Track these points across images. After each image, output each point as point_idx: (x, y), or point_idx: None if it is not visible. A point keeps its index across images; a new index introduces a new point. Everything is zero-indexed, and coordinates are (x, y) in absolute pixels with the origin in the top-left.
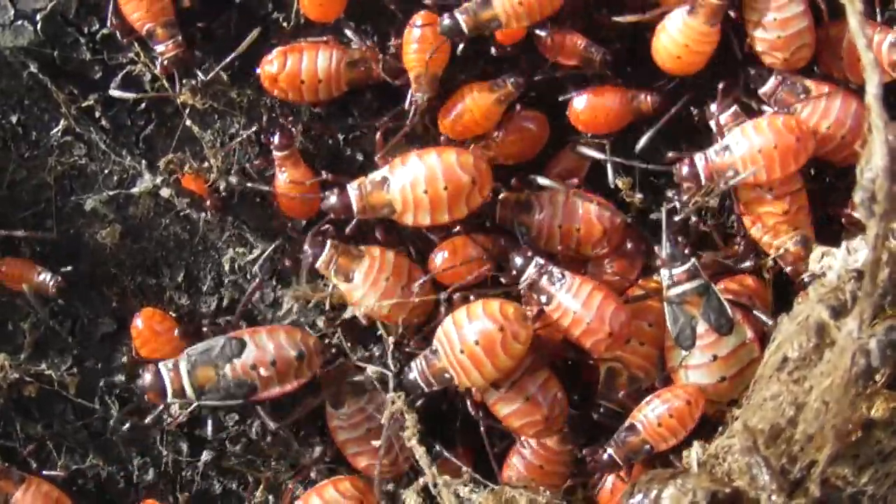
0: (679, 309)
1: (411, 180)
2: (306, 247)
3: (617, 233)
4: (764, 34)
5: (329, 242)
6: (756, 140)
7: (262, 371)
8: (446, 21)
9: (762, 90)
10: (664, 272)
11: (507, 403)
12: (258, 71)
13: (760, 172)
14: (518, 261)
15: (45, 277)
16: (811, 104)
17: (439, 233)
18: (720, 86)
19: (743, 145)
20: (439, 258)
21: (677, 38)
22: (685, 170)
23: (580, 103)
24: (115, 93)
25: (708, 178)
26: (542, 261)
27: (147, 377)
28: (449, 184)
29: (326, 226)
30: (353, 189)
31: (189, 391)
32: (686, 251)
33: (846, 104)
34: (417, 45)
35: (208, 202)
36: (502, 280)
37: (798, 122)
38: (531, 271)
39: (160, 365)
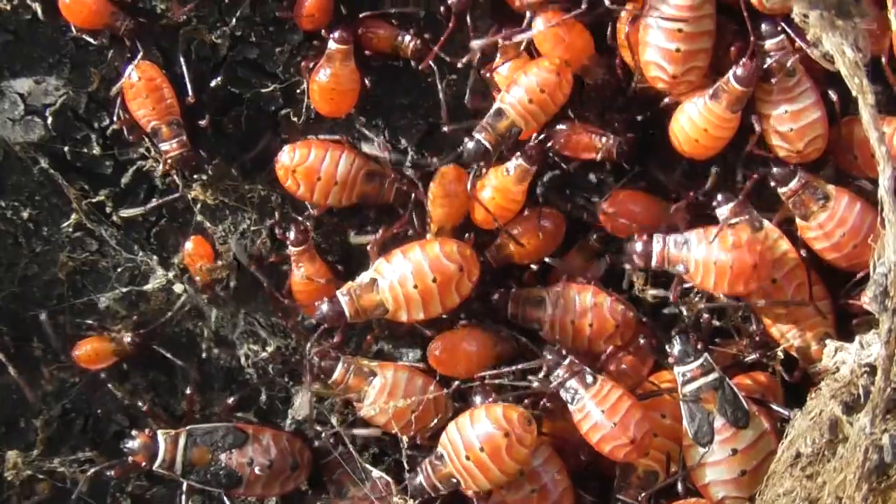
0: (695, 406)
1: (399, 278)
2: (316, 359)
3: (629, 328)
4: (777, 126)
5: (342, 360)
6: (715, 251)
7: (257, 469)
8: (470, 145)
9: (783, 190)
10: (678, 369)
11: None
12: (276, 158)
13: (707, 280)
14: (550, 358)
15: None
16: (829, 211)
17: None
18: (714, 170)
19: (701, 250)
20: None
21: (697, 122)
22: (638, 246)
23: (610, 206)
24: (124, 213)
25: (658, 264)
26: (575, 360)
27: (138, 441)
28: (437, 275)
29: (329, 336)
30: (342, 296)
31: (178, 466)
32: (698, 346)
33: (863, 213)
34: (444, 200)
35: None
36: (530, 378)
37: (761, 250)
38: (561, 372)
39: (159, 432)
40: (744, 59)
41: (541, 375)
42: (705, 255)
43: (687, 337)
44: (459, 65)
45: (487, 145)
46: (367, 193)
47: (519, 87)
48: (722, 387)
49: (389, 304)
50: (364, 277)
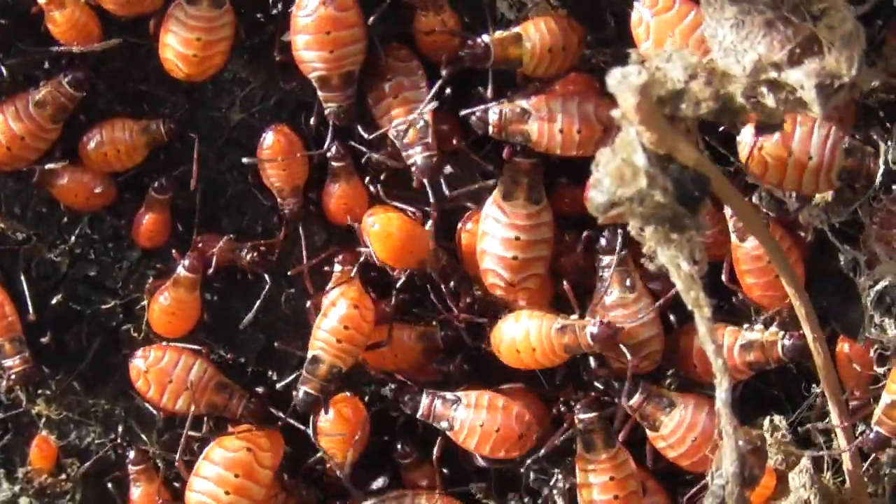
0: None
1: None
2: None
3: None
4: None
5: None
6: (484, 415)
7: None
8: (300, 397)
9: (629, 403)
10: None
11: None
12: (130, 359)
13: (470, 440)
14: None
15: None
16: (676, 419)
17: None
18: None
19: (469, 415)
20: None
21: (531, 340)
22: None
23: None
24: None
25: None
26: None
27: None
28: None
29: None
30: None
31: None
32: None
33: (713, 416)
34: None
35: None
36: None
37: (529, 421)
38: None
39: None
40: (598, 325)
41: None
42: (472, 419)
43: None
44: (290, 272)
45: (316, 395)
46: (215, 403)
47: (323, 331)
48: None
49: None
50: None
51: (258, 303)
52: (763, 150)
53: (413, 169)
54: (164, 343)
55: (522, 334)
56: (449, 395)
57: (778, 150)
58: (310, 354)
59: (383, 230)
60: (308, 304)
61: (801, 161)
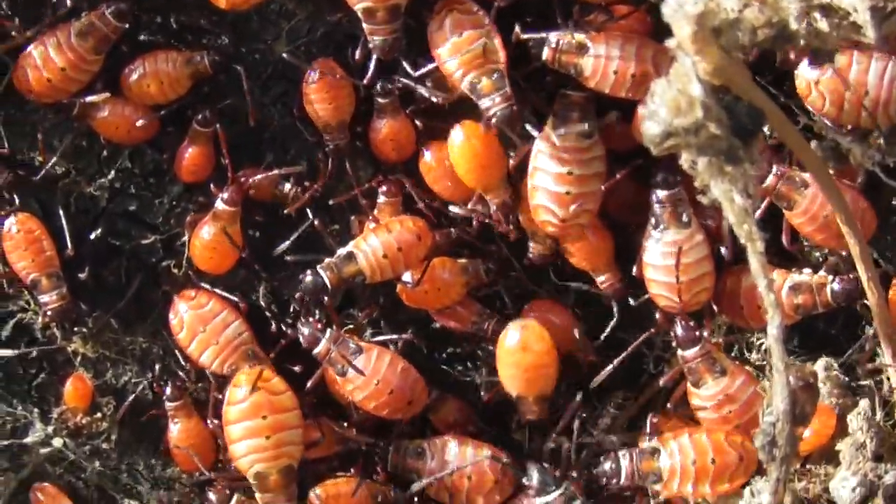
0: None
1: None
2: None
3: (509, 483)
4: (663, 277)
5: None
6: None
7: None
8: (308, 278)
9: (683, 353)
10: (539, 500)
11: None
12: (174, 299)
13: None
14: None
15: None
16: (721, 385)
17: None
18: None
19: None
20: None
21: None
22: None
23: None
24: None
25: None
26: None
27: None
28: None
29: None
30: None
31: None
32: (556, 475)
33: (755, 396)
34: None
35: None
36: None
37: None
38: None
39: None
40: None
41: None
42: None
43: (543, 467)
44: (331, 202)
45: (327, 282)
46: (239, 366)
47: (377, 239)
48: None
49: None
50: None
51: (296, 234)
52: (820, 86)
53: (492, 120)
54: (211, 292)
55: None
56: (352, 344)
57: (835, 84)
58: (347, 249)
59: (468, 137)
60: (352, 217)
61: (858, 95)
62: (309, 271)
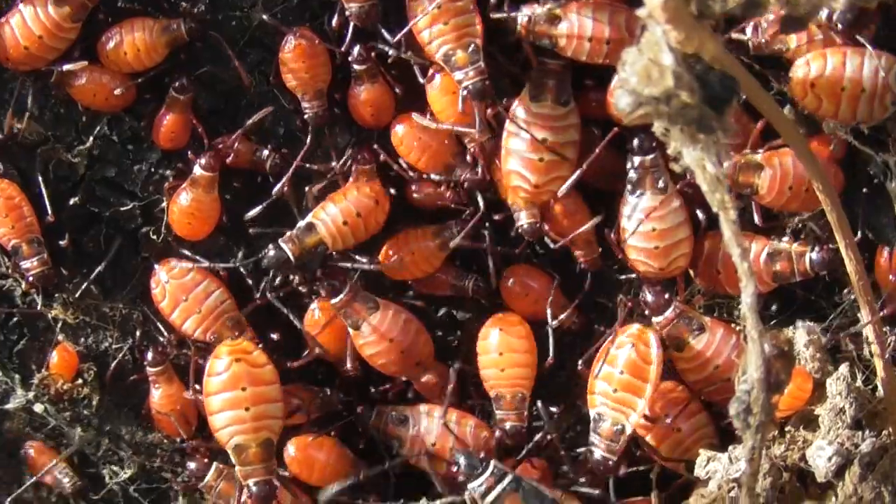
0: None
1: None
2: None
3: (489, 454)
4: (643, 243)
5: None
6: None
7: None
8: (271, 252)
9: (657, 319)
10: (471, 486)
11: None
12: (154, 268)
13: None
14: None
15: None
16: (703, 343)
17: None
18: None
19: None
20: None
21: None
22: None
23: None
24: None
25: None
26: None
27: None
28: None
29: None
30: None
31: None
32: (481, 457)
33: (736, 348)
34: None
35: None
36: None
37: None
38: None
39: None
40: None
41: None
42: None
43: (468, 452)
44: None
45: (290, 255)
46: (223, 337)
47: (335, 207)
48: (520, 486)
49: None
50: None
51: (268, 201)
52: (815, 88)
53: (464, 92)
54: (192, 261)
55: None
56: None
57: (831, 85)
58: (306, 220)
59: (444, 87)
60: (307, 188)
61: (854, 93)
62: (271, 245)
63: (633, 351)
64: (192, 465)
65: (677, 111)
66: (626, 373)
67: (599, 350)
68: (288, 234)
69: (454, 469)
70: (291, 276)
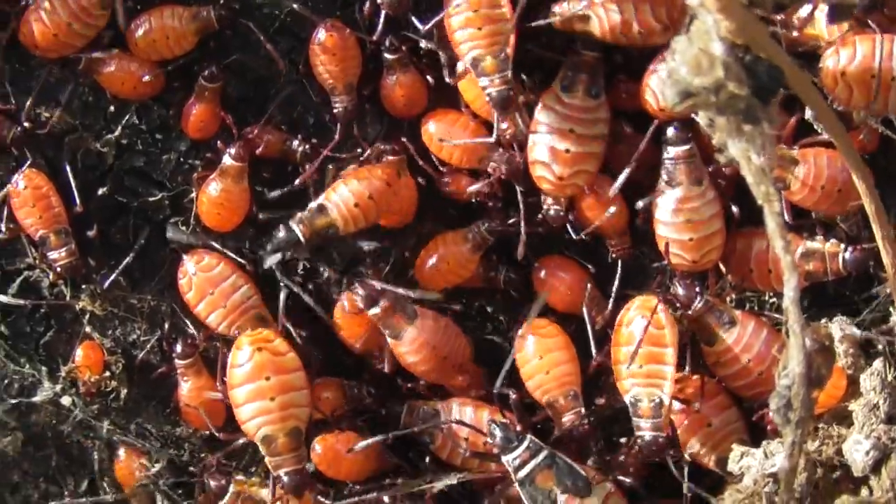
0: (533, 488)
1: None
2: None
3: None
4: (675, 235)
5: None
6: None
7: None
8: (281, 233)
9: (690, 311)
10: (505, 458)
11: None
12: (182, 260)
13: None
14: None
15: None
16: (736, 332)
17: None
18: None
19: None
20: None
21: None
22: None
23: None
24: (3, 298)
25: None
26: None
27: None
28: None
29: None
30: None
31: None
32: (518, 430)
33: (770, 340)
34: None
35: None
36: None
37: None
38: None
39: None
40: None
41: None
42: None
43: (505, 425)
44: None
45: (300, 236)
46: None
47: (347, 189)
48: (555, 462)
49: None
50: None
51: (292, 184)
52: (846, 77)
53: (487, 98)
54: (220, 254)
55: None
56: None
57: (861, 73)
58: (318, 202)
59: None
60: (329, 167)
61: (885, 81)
62: (281, 225)
63: (644, 321)
64: (211, 483)
65: (725, 102)
66: (645, 344)
67: (612, 341)
68: (299, 215)
69: (489, 441)
70: (322, 269)
